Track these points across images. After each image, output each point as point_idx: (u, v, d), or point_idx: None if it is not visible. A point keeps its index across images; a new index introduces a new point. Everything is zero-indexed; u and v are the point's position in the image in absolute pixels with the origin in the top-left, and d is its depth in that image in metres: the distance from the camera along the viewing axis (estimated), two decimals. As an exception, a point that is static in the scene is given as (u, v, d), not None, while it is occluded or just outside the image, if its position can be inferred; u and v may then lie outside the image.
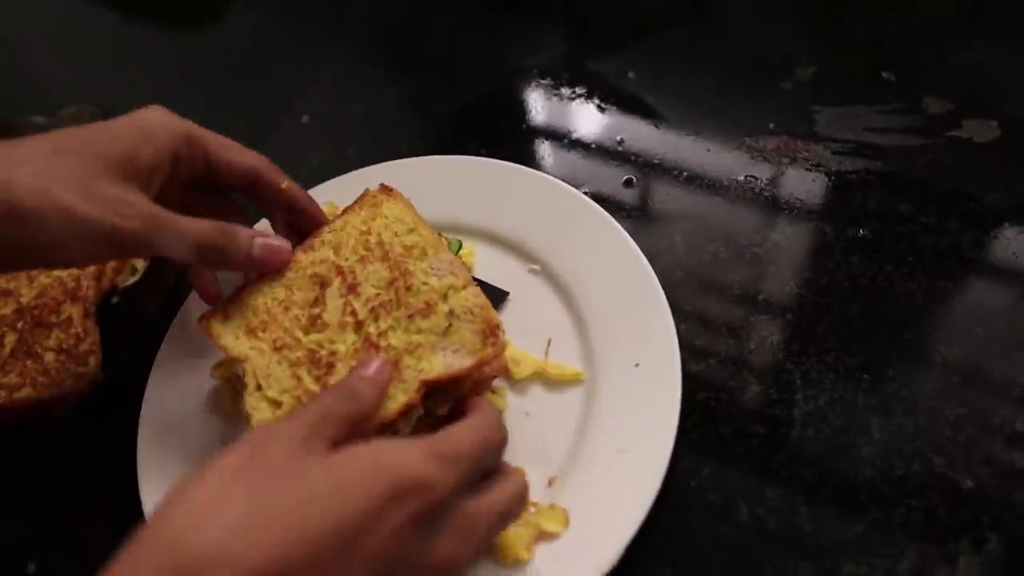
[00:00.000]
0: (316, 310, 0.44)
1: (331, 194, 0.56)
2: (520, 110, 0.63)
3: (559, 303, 0.50)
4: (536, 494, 0.43)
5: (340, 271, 0.45)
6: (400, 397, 0.39)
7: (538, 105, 0.63)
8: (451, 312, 0.42)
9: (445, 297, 0.43)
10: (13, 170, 0.37)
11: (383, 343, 0.42)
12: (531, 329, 0.49)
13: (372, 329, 0.42)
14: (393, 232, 0.46)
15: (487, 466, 0.35)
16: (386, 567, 0.29)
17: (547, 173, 0.55)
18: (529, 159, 0.59)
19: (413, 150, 0.60)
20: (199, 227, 0.41)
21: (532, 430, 0.46)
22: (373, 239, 0.46)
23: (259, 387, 0.41)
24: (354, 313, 0.43)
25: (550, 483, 0.43)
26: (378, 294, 0.44)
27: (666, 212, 0.54)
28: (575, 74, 0.64)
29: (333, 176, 0.58)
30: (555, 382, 0.47)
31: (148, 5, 0.86)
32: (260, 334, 0.43)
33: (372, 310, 0.43)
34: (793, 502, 0.41)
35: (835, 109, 0.57)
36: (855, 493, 0.41)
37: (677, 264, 0.51)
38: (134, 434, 0.48)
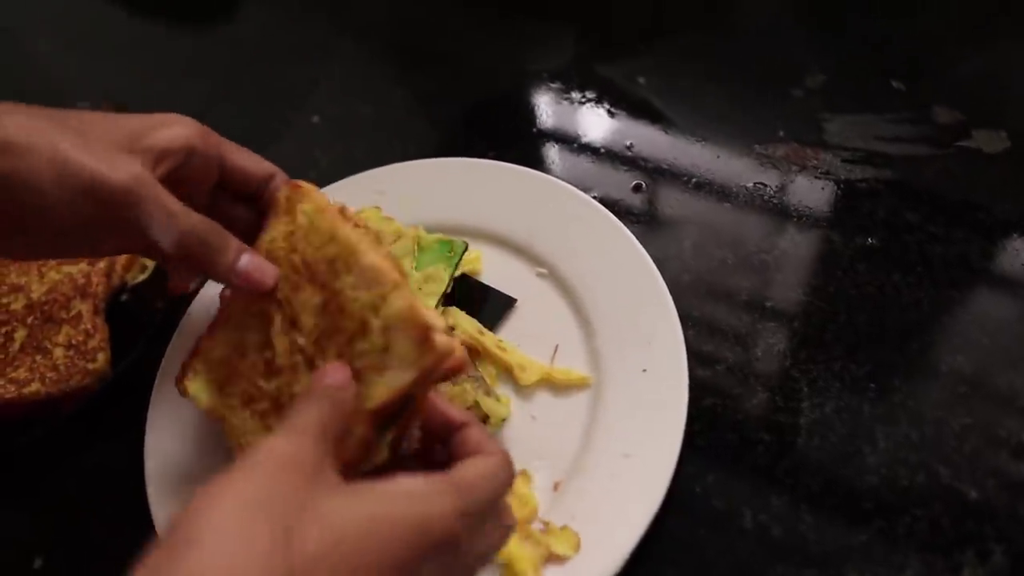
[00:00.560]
0: (268, 353, 0.40)
1: (340, 195, 0.56)
2: (530, 113, 0.63)
3: (566, 307, 0.50)
4: (542, 498, 0.43)
5: (279, 304, 0.40)
6: (356, 431, 0.34)
7: (548, 109, 0.63)
8: (385, 325, 0.35)
9: (376, 310, 0.36)
10: (7, 118, 0.36)
11: None
12: (538, 333, 0.49)
13: (321, 363, 0.37)
14: (314, 246, 0.39)
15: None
16: None
17: (556, 177, 0.55)
18: (538, 163, 0.59)
19: (422, 151, 0.60)
20: (192, 216, 0.39)
21: (538, 434, 0.46)
22: (298, 258, 0.40)
23: (240, 446, 0.40)
24: (301, 350, 0.38)
25: (555, 487, 0.44)
26: (316, 324, 0.38)
27: (675, 218, 0.54)
28: (585, 78, 0.64)
29: (342, 177, 0.58)
30: (561, 386, 0.47)
31: (159, 2, 0.86)
32: (228, 388, 0.41)
33: (316, 342, 0.38)
34: (798, 510, 0.41)
35: (845, 117, 0.57)
36: (860, 502, 0.41)
37: (685, 270, 0.51)
38: (142, 430, 0.48)
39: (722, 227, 0.53)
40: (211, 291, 0.53)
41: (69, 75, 0.80)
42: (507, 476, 0.34)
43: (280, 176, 0.45)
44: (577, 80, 0.64)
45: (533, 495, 0.43)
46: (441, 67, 0.70)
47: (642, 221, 0.54)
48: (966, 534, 0.39)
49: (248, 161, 0.44)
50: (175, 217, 0.39)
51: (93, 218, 0.38)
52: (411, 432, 0.37)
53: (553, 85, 0.65)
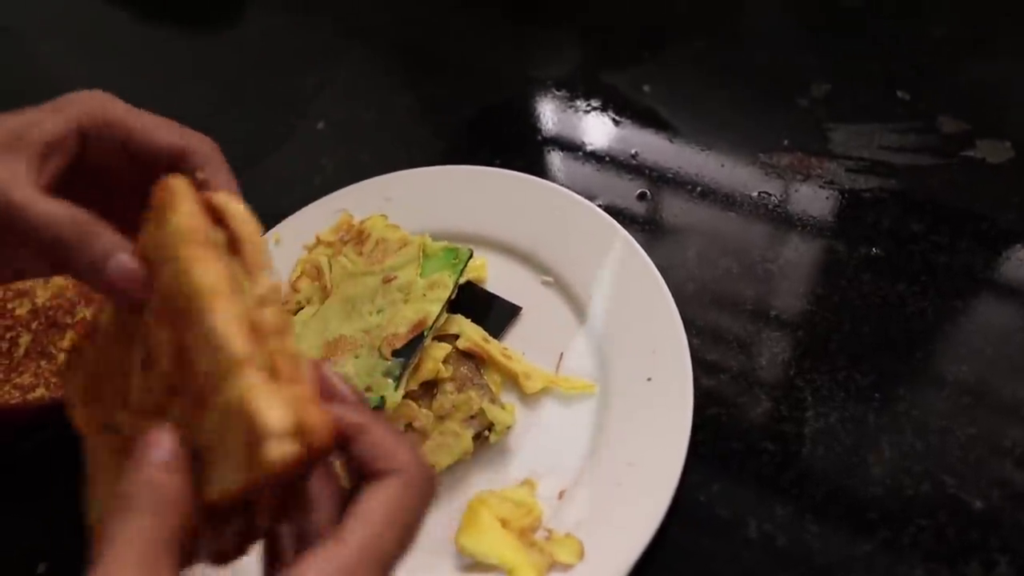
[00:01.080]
0: (126, 384, 0.31)
1: (345, 202, 0.56)
2: (535, 121, 0.63)
3: (571, 315, 0.50)
4: (546, 507, 0.43)
5: (145, 330, 0.30)
6: (187, 522, 0.27)
7: (553, 116, 0.64)
8: (222, 410, 0.26)
9: (216, 387, 0.26)
10: None
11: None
12: (543, 341, 0.49)
13: (171, 419, 0.28)
14: (171, 275, 0.28)
15: None
16: None
17: (560, 184, 0.55)
18: (543, 170, 0.59)
19: (427, 157, 0.60)
20: (52, 209, 0.31)
21: (543, 442, 0.46)
22: (164, 279, 0.29)
23: (93, 478, 0.34)
24: (152, 393, 0.29)
25: (560, 495, 0.44)
26: (169, 371, 0.29)
27: (679, 226, 0.54)
28: (590, 86, 0.64)
29: (347, 183, 0.59)
30: (566, 394, 0.47)
31: (164, 6, 0.86)
32: (92, 406, 0.33)
33: (169, 389, 0.29)
34: (802, 519, 0.41)
35: (849, 127, 0.57)
36: (864, 512, 0.41)
37: (690, 278, 0.51)
38: (146, 437, 0.48)
39: (727, 236, 0.53)
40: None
41: (70, 77, 0.80)
42: (422, 500, 0.28)
43: (198, 156, 0.34)
44: (582, 88, 0.65)
45: (537, 503, 0.43)
46: (446, 73, 0.70)
47: (646, 229, 0.55)
48: (971, 544, 0.39)
49: (159, 134, 0.34)
50: (31, 211, 0.31)
51: None
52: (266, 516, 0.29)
53: (558, 92, 0.65)
